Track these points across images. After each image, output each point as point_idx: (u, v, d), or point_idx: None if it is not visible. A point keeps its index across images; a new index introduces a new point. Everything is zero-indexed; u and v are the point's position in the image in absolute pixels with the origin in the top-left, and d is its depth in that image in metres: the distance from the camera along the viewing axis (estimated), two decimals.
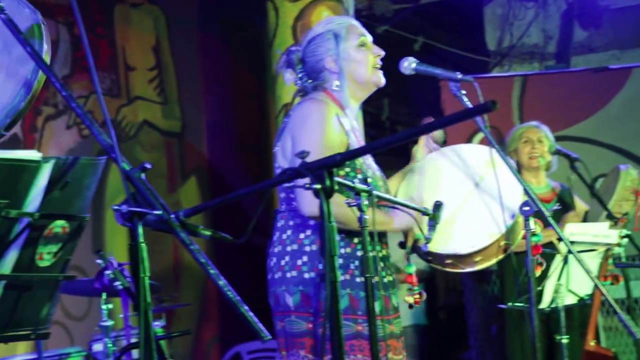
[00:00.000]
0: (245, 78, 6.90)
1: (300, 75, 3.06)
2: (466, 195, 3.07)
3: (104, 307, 3.66)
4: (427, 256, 3.00)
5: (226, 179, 6.57)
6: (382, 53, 3.06)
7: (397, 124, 8.38)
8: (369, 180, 2.66)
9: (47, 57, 1.96)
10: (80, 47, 5.44)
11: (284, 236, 2.91)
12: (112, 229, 5.56)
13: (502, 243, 2.97)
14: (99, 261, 3.24)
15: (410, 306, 2.96)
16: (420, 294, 2.96)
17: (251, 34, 6.85)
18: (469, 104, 3.01)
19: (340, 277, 2.73)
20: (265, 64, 6.80)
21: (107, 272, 3.17)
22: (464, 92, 3.03)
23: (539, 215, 3.03)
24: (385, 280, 2.93)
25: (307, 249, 2.87)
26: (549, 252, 3.44)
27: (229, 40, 6.76)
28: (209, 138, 6.57)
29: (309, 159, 2.03)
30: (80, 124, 5.46)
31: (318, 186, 1.92)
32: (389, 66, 3.13)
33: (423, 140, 3.20)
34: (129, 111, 5.94)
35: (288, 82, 3.14)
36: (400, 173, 3.19)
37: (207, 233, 2.02)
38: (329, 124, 2.86)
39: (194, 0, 6.55)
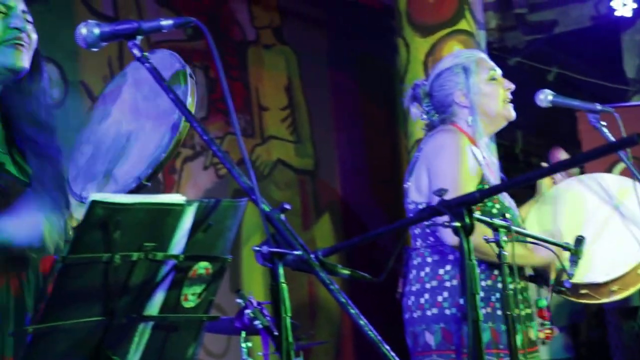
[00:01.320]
0: (376, 114, 6.92)
1: (427, 109, 3.05)
2: (603, 223, 2.97)
3: (243, 345, 3.71)
4: (563, 293, 2.92)
5: (359, 215, 6.58)
6: (512, 86, 3.01)
7: (531, 156, 8.22)
8: (507, 215, 2.62)
9: (192, 108, 2.02)
10: (216, 89, 5.60)
11: (422, 273, 2.89)
12: (249, 268, 5.64)
13: None
14: (238, 300, 3.30)
15: (543, 342, 2.89)
16: (551, 329, 2.88)
17: (381, 70, 6.88)
18: (610, 136, 2.93)
19: (482, 311, 2.68)
20: (395, 100, 6.81)
21: (247, 311, 3.22)
22: (604, 123, 2.95)
23: None
24: (524, 313, 2.86)
25: (448, 284, 2.83)
26: None
27: (359, 77, 6.81)
28: (342, 175, 6.61)
29: (448, 190, 2.01)
30: (217, 164, 5.60)
31: (457, 224, 1.89)
32: (522, 97, 3.08)
33: None
34: (263, 150, 6.04)
35: (414, 116, 3.13)
36: (527, 205, 3.12)
37: (346, 272, 2.03)
38: (464, 154, 2.83)
39: (324, 39, 6.63)
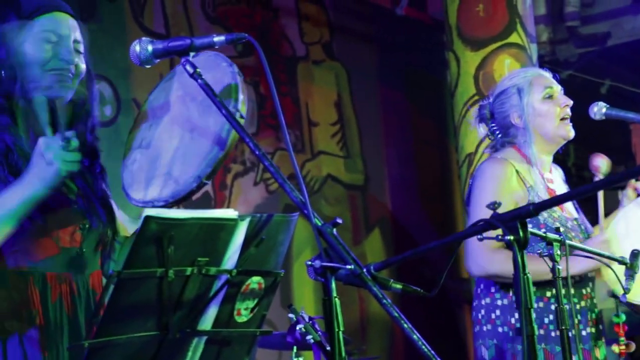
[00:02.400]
0: (426, 129, 6.90)
1: (492, 129, 3.04)
2: None
3: None
4: (630, 306, 2.87)
5: (410, 229, 6.56)
6: (570, 103, 2.98)
7: (583, 170, 8.12)
8: (562, 229, 2.59)
9: (243, 107, 2.03)
10: (266, 105, 5.63)
11: (479, 290, 2.90)
12: (299, 283, 5.65)
13: None
14: (290, 315, 3.30)
15: (618, 357, 2.85)
16: (627, 344, 2.83)
17: (431, 85, 6.87)
18: None
19: None
20: (445, 114, 6.78)
21: (299, 326, 3.22)
22: None
23: None
24: (584, 332, 2.82)
25: (499, 302, 2.83)
26: None
27: (409, 92, 6.80)
28: (392, 190, 6.60)
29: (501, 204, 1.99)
30: (267, 180, 5.62)
31: (511, 237, 1.88)
32: (575, 110, 3.05)
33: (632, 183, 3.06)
34: (313, 166, 6.05)
35: (482, 136, 3.13)
36: (611, 216, 3.06)
37: (398, 287, 2.02)
38: (501, 181, 2.82)
39: (374, 55, 6.64)
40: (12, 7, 2.16)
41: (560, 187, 3.04)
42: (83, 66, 2.21)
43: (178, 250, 1.73)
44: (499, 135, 3.01)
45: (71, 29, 2.20)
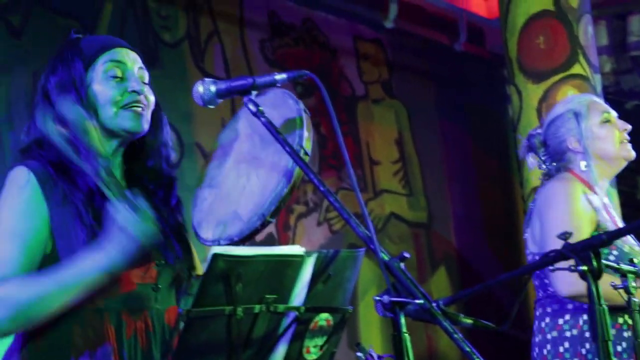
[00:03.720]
0: (489, 164, 6.85)
1: (543, 158, 3.00)
2: None
3: None
4: None
5: (476, 266, 6.48)
6: (629, 127, 2.94)
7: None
8: (635, 260, 2.53)
9: (308, 144, 2.03)
10: (327, 145, 5.64)
11: (543, 324, 2.83)
12: (366, 323, 5.61)
13: None
14: (359, 354, 3.27)
15: None
16: None
17: (492, 119, 6.82)
18: None
19: None
20: (508, 148, 6.72)
21: None
22: None
23: None
24: None
25: (568, 334, 2.76)
26: None
27: (470, 128, 6.76)
28: (456, 226, 6.54)
29: (572, 234, 1.95)
30: (330, 220, 5.61)
31: (584, 268, 1.83)
32: (637, 141, 3.00)
33: None
34: (375, 205, 6.03)
35: (531, 166, 3.09)
36: None
37: (469, 321, 1.99)
38: (575, 201, 2.77)
39: (434, 91, 6.62)
40: (75, 53, 2.19)
41: (616, 214, 2.97)
42: (152, 97, 2.23)
43: (246, 287, 1.73)
44: (553, 163, 2.97)
45: (134, 60, 2.22)
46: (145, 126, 2.20)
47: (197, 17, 5.15)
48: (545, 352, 2.79)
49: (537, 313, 2.87)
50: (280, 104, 2.09)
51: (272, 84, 2.03)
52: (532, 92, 4.83)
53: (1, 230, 2.07)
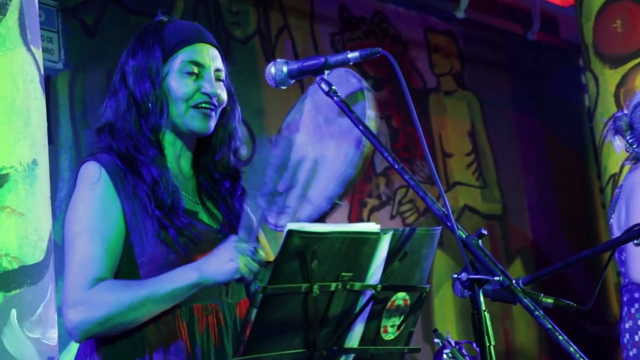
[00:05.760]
0: (564, 154, 6.72)
1: (630, 141, 2.93)
2: None
3: None
4: None
5: (552, 259, 6.37)
6: None
7: None
8: None
9: (372, 123, 1.99)
10: (399, 138, 5.60)
11: (633, 310, 2.76)
12: (441, 317, 5.56)
13: None
14: (436, 340, 3.23)
15: None
16: None
17: (567, 110, 6.70)
18: None
19: None
20: (584, 139, 6.59)
21: (445, 351, 3.14)
22: None
23: None
24: None
25: None
26: None
27: (545, 118, 6.65)
28: (531, 218, 6.43)
29: None
30: (403, 213, 5.58)
31: None
32: None
33: None
34: (449, 197, 5.97)
35: (618, 149, 3.02)
36: None
37: (550, 301, 1.94)
38: None
39: (507, 82, 6.53)
40: (156, 40, 2.20)
41: None
42: (224, 96, 2.23)
43: (322, 265, 1.71)
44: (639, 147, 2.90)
45: (213, 58, 2.21)
46: (212, 127, 2.20)
47: (268, 13, 5.17)
48: (637, 338, 2.72)
49: (625, 299, 2.80)
50: (343, 83, 2.06)
51: (345, 63, 2.01)
52: (610, 77, 4.72)
53: (82, 228, 2.09)
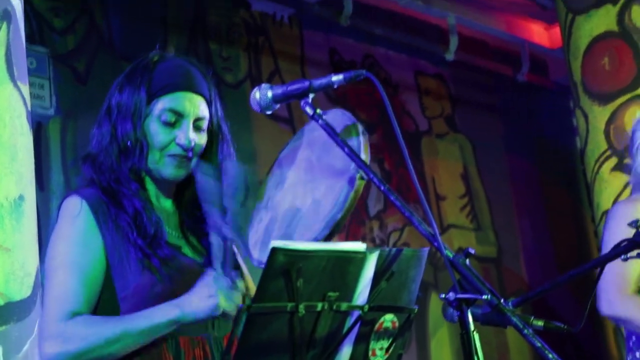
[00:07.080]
0: (559, 197, 6.72)
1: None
2: None
3: None
4: None
5: (547, 300, 6.33)
6: None
7: None
8: None
9: (365, 157, 1.98)
10: (391, 180, 5.60)
11: (631, 343, 2.76)
12: (437, 357, 5.51)
13: None
14: None
15: None
16: None
17: (559, 151, 6.72)
18: None
19: None
20: (578, 180, 6.59)
21: None
22: None
23: None
24: None
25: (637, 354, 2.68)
26: None
27: (537, 160, 6.66)
28: (527, 261, 6.41)
29: None
30: None
31: None
32: None
33: None
34: (443, 240, 5.90)
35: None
36: None
37: (540, 323, 1.91)
38: (620, 222, 2.72)
39: (498, 123, 6.56)
40: (144, 80, 2.20)
41: None
42: (203, 141, 2.22)
43: (307, 283, 1.68)
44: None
45: (194, 107, 2.20)
46: (185, 174, 2.20)
47: (259, 57, 5.20)
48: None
49: (625, 334, 2.82)
50: (340, 125, 2.05)
51: (330, 86, 2.01)
52: (599, 114, 4.73)
53: (60, 262, 2.09)
